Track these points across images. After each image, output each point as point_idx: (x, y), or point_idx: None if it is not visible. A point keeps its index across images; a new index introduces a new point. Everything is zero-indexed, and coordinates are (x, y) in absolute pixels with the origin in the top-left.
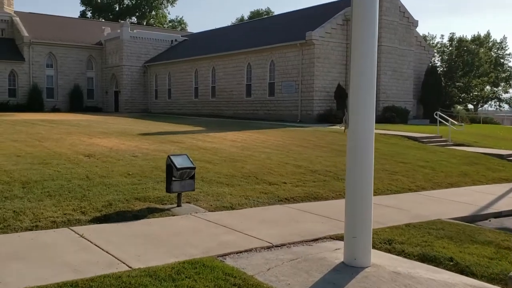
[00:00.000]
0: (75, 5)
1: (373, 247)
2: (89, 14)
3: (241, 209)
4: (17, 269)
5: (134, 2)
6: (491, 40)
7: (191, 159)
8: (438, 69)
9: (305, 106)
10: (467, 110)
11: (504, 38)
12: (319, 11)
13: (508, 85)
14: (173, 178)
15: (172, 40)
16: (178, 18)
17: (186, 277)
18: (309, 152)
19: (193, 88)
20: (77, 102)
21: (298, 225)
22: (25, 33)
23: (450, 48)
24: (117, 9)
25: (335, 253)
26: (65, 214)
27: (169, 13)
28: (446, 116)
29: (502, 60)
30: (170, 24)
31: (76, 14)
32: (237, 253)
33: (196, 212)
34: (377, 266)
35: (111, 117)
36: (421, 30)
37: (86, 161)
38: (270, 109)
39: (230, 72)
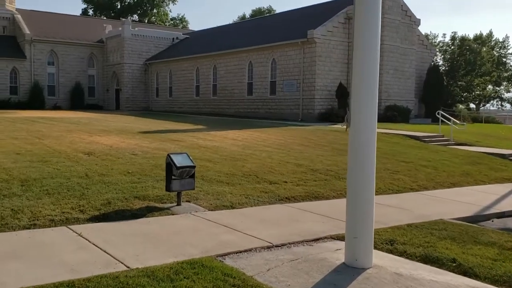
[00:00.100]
0: (77, 3)
1: (375, 248)
2: (90, 11)
3: (241, 208)
4: (14, 268)
5: (135, 0)
6: (493, 39)
7: (191, 157)
8: (440, 68)
9: (306, 104)
10: (469, 109)
11: (507, 37)
12: (321, 10)
13: (510, 85)
14: (173, 177)
15: (173, 38)
16: (180, 16)
17: (184, 277)
18: (310, 151)
19: (194, 86)
20: (78, 100)
21: (298, 225)
22: (26, 30)
23: (452, 47)
24: (119, 7)
25: (336, 253)
26: (63, 213)
27: (170, 11)
28: (448, 115)
29: (504, 59)
30: (172, 22)
31: (77, 12)
32: (236, 253)
33: (196, 211)
34: (378, 267)
35: (112, 115)
36: (424, 29)
37: (85, 159)
38: (272, 107)
39: (232, 70)
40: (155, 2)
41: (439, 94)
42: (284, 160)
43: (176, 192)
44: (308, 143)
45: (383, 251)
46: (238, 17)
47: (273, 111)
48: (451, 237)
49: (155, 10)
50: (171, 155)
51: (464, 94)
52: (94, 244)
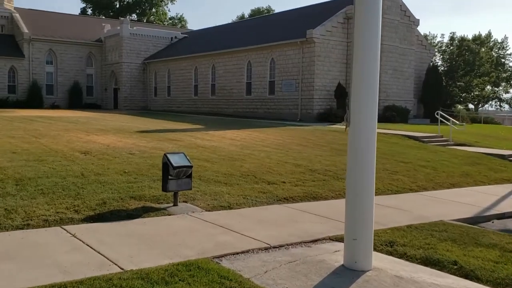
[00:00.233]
0: (76, 2)
1: (374, 249)
2: (89, 11)
3: (239, 208)
4: (7, 269)
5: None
6: (492, 40)
7: (188, 157)
8: (439, 68)
9: (305, 104)
10: (468, 109)
11: (505, 38)
12: (320, 10)
13: (508, 85)
14: (170, 177)
15: (172, 37)
16: (178, 16)
17: (179, 280)
18: (308, 151)
19: (192, 86)
20: (76, 99)
21: (296, 226)
22: (25, 29)
23: (451, 48)
24: (117, 6)
25: (335, 255)
26: (57, 213)
27: (169, 11)
28: (447, 116)
29: (503, 60)
30: (170, 21)
31: (76, 11)
32: (233, 254)
33: (193, 212)
34: (378, 270)
35: (110, 114)
36: (423, 29)
37: (82, 158)
38: (270, 107)
39: (230, 70)
40: (153, 1)
41: (438, 95)
42: (283, 160)
43: (173, 192)
44: (307, 143)
45: (382, 253)
46: (237, 17)
47: (272, 111)
48: (451, 238)
49: (153, 10)
50: (168, 155)
51: (463, 94)
52: (88, 245)
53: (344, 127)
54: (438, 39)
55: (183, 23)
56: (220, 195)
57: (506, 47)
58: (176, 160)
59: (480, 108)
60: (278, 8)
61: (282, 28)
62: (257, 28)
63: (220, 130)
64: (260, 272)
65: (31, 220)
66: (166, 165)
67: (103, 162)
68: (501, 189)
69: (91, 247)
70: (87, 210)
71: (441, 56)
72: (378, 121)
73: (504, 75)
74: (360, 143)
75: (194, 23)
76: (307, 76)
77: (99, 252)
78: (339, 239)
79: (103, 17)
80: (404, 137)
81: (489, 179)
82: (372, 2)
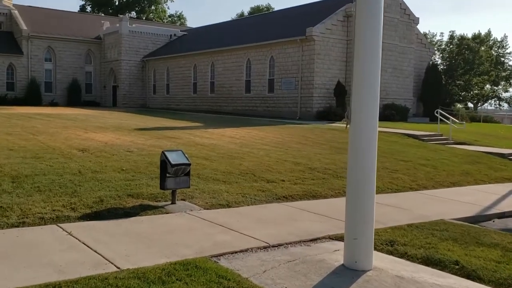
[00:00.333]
0: None
1: (374, 249)
2: (88, 8)
3: (237, 207)
4: (0, 268)
5: None
6: (491, 38)
7: (186, 155)
8: (438, 67)
9: (304, 103)
10: (467, 108)
11: (505, 36)
12: (320, 7)
13: (508, 84)
14: (168, 175)
15: (171, 35)
16: (178, 13)
17: (177, 279)
18: (308, 149)
19: (191, 84)
20: (75, 97)
21: (296, 224)
22: (23, 26)
23: (451, 46)
24: (117, 3)
25: (335, 254)
26: (54, 210)
27: (168, 8)
28: (447, 114)
29: (502, 59)
30: (170, 19)
31: (75, 8)
32: (232, 253)
33: (191, 210)
34: (379, 270)
35: (109, 111)
36: (423, 28)
37: (79, 155)
38: (270, 105)
39: (230, 67)
40: None
41: (438, 93)
42: (282, 159)
43: (171, 190)
44: (306, 141)
45: (383, 252)
46: (237, 15)
47: (271, 109)
48: (452, 238)
49: (153, 7)
50: (166, 152)
51: (462, 93)
52: (84, 244)
53: (345, 125)
54: (438, 37)
55: (182, 20)
56: (219, 193)
57: (506, 46)
58: (174, 158)
59: (479, 107)
60: (277, 6)
61: (281, 26)
62: (256, 26)
63: (219, 128)
64: (259, 272)
65: (26, 218)
66: (164, 162)
67: (101, 159)
68: (501, 188)
69: (87, 246)
70: (84, 208)
71: (441, 55)
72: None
73: (504, 74)
74: (361, 142)
75: (194, 21)
76: (307, 74)
77: (95, 251)
78: (339, 238)
79: (102, 15)
80: (404, 135)
81: (490, 178)
82: (374, 0)
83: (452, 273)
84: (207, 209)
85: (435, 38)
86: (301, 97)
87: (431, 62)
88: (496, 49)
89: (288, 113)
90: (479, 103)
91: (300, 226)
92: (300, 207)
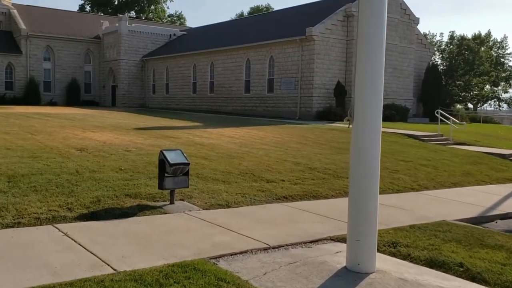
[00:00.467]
0: None
1: (377, 250)
2: (87, 7)
3: (237, 207)
4: None
5: None
6: (491, 39)
7: (185, 154)
8: (438, 67)
9: (304, 103)
10: (467, 109)
11: (505, 37)
12: (319, 7)
13: (508, 85)
14: (166, 174)
15: (170, 35)
16: (177, 13)
17: (174, 282)
18: (308, 149)
19: (191, 83)
20: (74, 96)
21: (296, 225)
22: (22, 26)
23: (451, 46)
24: (116, 3)
25: (336, 256)
26: (50, 211)
27: (168, 8)
28: (447, 115)
29: (502, 60)
30: (169, 19)
31: (74, 8)
32: (231, 255)
33: (190, 210)
34: (382, 272)
35: (108, 111)
36: (423, 28)
37: (77, 155)
38: (269, 105)
39: (229, 67)
40: None
41: (438, 94)
42: (282, 158)
43: (169, 190)
44: (306, 141)
45: (385, 254)
46: (236, 15)
47: (271, 109)
48: (456, 239)
49: (152, 7)
50: (164, 152)
51: (462, 93)
52: (80, 245)
53: (347, 124)
54: (438, 38)
55: (182, 20)
56: (218, 193)
57: (506, 46)
58: (172, 157)
59: (479, 108)
60: (277, 6)
61: (281, 26)
62: (256, 26)
63: (218, 128)
64: (259, 274)
65: (22, 218)
66: (163, 162)
67: (99, 159)
68: (503, 189)
69: (83, 247)
70: (81, 208)
71: (441, 55)
72: None
73: (503, 74)
74: (364, 143)
75: (193, 21)
76: (307, 74)
77: (91, 252)
78: (341, 239)
79: (102, 14)
80: (404, 135)
81: (491, 178)
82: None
83: (456, 276)
84: (206, 209)
85: (435, 39)
86: (301, 97)
87: (431, 63)
88: (496, 49)
89: (287, 113)
90: (479, 104)
91: (301, 227)
92: (300, 207)
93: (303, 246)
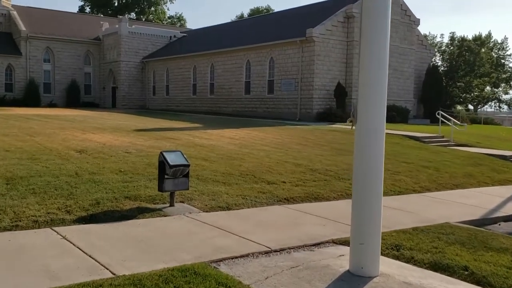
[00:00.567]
0: (74, 0)
1: (380, 254)
2: (87, 9)
3: (238, 209)
4: None
5: None
6: (492, 40)
7: (185, 156)
8: (439, 68)
9: (304, 104)
10: (468, 110)
11: (505, 38)
12: (320, 9)
13: (508, 86)
14: (166, 176)
15: (170, 36)
16: (178, 15)
17: (174, 286)
18: (308, 150)
19: (191, 85)
20: (74, 98)
21: (298, 228)
22: (22, 27)
23: (451, 48)
24: (116, 4)
25: (339, 260)
26: (48, 213)
27: (168, 9)
28: (448, 116)
29: (502, 61)
30: (169, 20)
31: (74, 9)
32: (232, 258)
33: (190, 213)
34: (386, 276)
35: (108, 113)
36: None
37: (77, 157)
38: (269, 107)
39: (229, 69)
40: (152, 0)
41: (438, 95)
42: (282, 160)
43: (169, 192)
44: (307, 142)
45: (389, 257)
46: (236, 17)
47: (271, 110)
48: (460, 242)
49: (152, 8)
50: (164, 153)
51: (463, 95)
52: (78, 248)
53: (350, 126)
54: (438, 39)
55: (182, 22)
56: (218, 195)
57: (506, 47)
58: (172, 159)
59: (479, 109)
60: (277, 8)
61: (281, 27)
62: (256, 27)
63: (218, 129)
64: (261, 278)
65: (20, 221)
66: (163, 163)
67: (99, 161)
68: (505, 191)
69: (82, 250)
70: (80, 211)
71: (441, 56)
72: None
73: (504, 76)
74: (367, 144)
75: (193, 23)
76: (307, 76)
77: (90, 256)
78: (343, 242)
79: (102, 15)
80: (405, 137)
81: (493, 180)
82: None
83: (461, 279)
84: (207, 211)
85: (436, 40)
86: (301, 98)
87: (431, 64)
88: (496, 51)
89: (288, 114)
90: (479, 105)
91: (303, 229)
92: (302, 209)
93: (305, 250)
